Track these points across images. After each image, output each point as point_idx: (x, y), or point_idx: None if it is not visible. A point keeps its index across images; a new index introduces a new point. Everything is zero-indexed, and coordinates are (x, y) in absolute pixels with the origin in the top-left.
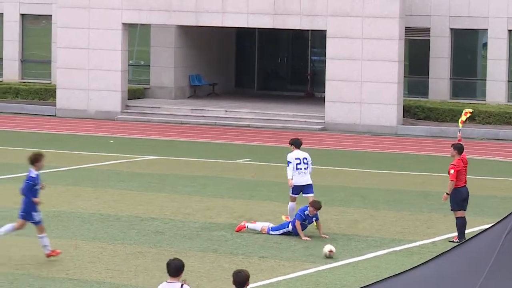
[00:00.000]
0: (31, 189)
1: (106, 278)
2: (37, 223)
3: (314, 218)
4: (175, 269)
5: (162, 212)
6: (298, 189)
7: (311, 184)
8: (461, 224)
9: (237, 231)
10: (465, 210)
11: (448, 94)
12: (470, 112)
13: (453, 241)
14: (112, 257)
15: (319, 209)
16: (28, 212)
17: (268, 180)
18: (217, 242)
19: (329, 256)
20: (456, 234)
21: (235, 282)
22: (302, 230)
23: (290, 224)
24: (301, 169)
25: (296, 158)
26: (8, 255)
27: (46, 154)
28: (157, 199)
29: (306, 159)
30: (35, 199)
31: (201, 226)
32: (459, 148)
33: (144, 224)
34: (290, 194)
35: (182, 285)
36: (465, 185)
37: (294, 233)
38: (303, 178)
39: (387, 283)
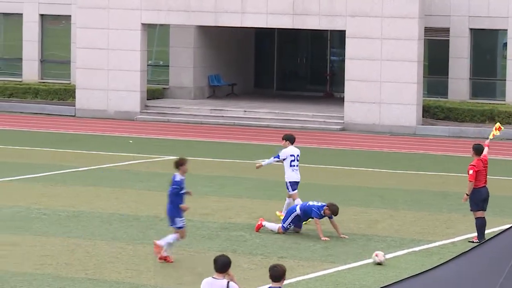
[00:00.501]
0: (177, 194)
1: (126, 278)
2: (179, 228)
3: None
4: (222, 265)
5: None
6: (296, 185)
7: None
8: (480, 225)
9: (256, 231)
10: (484, 210)
11: (467, 94)
12: (501, 128)
13: (473, 242)
14: (132, 257)
15: (335, 214)
16: (172, 217)
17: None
18: (236, 242)
19: (379, 262)
20: (476, 234)
21: (271, 277)
22: (298, 228)
23: (297, 207)
24: (294, 166)
25: (291, 155)
26: (27, 256)
27: (65, 154)
28: None
29: (299, 156)
30: (183, 206)
31: (220, 226)
32: (477, 149)
33: (163, 224)
34: (291, 191)
35: (228, 282)
36: (485, 186)
37: (289, 228)
38: (298, 175)
39: (407, 283)
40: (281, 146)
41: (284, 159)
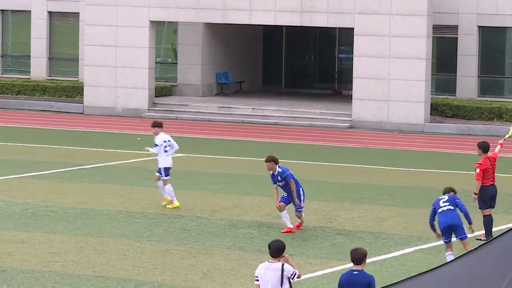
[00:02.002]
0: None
1: (133, 275)
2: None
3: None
4: (276, 249)
5: (189, 210)
6: (169, 171)
7: None
8: (487, 222)
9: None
10: (492, 208)
11: (475, 92)
12: None
13: (481, 239)
14: (139, 255)
15: (273, 162)
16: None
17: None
18: (243, 240)
19: None
20: (483, 232)
21: (353, 260)
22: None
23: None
24: (167, 151)
25: (164, 141)
26: (35, 253)
27: (73, 151)
28: (183, 197)
29: (170, 141)
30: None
31: (228, 223)
32: (483, 147)
33: (170, 222)
34: (164, 177)
35: (283, 264)
36: (493, 183)
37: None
38: (171, 160)
39: (414, 281)
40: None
41: (158, 145)
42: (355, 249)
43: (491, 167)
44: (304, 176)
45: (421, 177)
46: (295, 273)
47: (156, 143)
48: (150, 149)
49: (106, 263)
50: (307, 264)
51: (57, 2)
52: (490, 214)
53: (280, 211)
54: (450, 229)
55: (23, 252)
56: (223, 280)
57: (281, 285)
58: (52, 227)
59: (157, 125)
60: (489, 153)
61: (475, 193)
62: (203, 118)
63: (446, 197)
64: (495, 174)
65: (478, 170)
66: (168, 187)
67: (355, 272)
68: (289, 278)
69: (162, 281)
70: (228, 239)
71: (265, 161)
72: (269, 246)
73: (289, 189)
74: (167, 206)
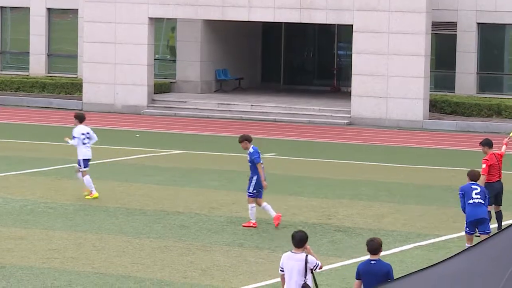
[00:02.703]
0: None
1: (132, 272)
2: None
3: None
4: (300, 240)
5: (188, 206)
6: (87, 163)
7: None
8: (497, 218)
9: (277, 226)
10: (498, 205)
11: (474, 88)
12: None
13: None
14: (138, 251)
15: (246, 141)
16: None
17: (294, 175)
18: (242, 236)
19: None
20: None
21: (369, 250)
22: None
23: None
24: (86, 143)
25: (82, 133)
26: (34, 249)
27: (72, 148)
28: (182, 193)
29: (89, 133)
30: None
31: (227, 220)
32: (487, 143)
33: (169, 218)
34: (83, 168)
35: (306, 256)
36: (498, 180)
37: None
38: (90, 152)
39: (413, 277)
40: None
41: (76, 137)
42: (371, 239)
43: (497, 163)
44: (303, 173)
45: (420, 173)
46: (318, 265)
47: (74, 135)
48: (69, 141)
49: (105, 260)
50: None
51: None
52: (499, 211)
53: (249, 203)
54: (477, 223)
55: (22, 248)
56: (222, 276)
57: (305, 276)
58: (51, 224)
59: (77, 117)
60: (495, 151)
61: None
62: (202, 114)
63: (478, 189)
64: (501, 171)
65: (484, 166)
66: (87, 178)
67: (373, 262)
68: (311, 269)
69: (161, 278)
70: (227, 235)
71: (239, 142)
72: (293, 236)
73: (255, 171)
74: (86, 197)
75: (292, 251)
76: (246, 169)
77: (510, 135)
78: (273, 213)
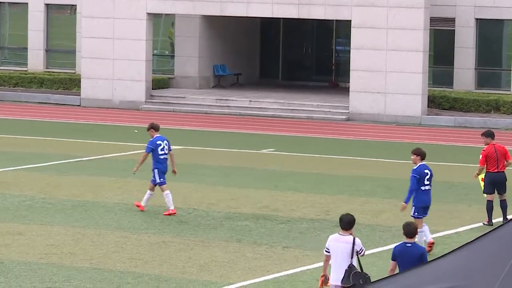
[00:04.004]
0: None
1: (130, 267)
2: None
3: None
4: (347, 222)
5: (186, 202)
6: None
7: None
8: (489, 207)
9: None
10: (500, 194)
11: (473, 84)
12: None
13: (484, 224)
14: (136, 247)
15: (152, 129)
16: None
17: (292, 171)
18: (240, 232)
19: None
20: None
21: (406, 234)
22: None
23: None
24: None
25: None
26: (32, 245)
27: (70, 143)
28: (181, 189)
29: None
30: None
31: (225, 216)
32: (489, 134)
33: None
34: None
35: (354, 238)
36: (497, 171)
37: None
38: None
39: (412, 273)
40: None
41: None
42: (408, 224)
43: (495, 154)
44: (301, 168)
45: None
46: (363, 249)
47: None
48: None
49: (103, 255)
50: (305, 257)
51: None
52: (492, 200)
53: (149, 188)
54: (425, 208)
55: (20, 244)
56: (220, 272)
57: (351, 257)
58: (49, 219)
59: (152, 126)
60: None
61: (477, 173)
62: (200, 110)
63: (429, 174)
64: (503, 163)
65: (480, 156)
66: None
67: (408, 245)
68: (357, 252)
69: (159, 273)
70: (225, 231)
71: (147, 129)
72: (341, 219)
73: (154, 160)
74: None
75: (339, 233)
76: (244, 165)
77: None
78: (144, 203)
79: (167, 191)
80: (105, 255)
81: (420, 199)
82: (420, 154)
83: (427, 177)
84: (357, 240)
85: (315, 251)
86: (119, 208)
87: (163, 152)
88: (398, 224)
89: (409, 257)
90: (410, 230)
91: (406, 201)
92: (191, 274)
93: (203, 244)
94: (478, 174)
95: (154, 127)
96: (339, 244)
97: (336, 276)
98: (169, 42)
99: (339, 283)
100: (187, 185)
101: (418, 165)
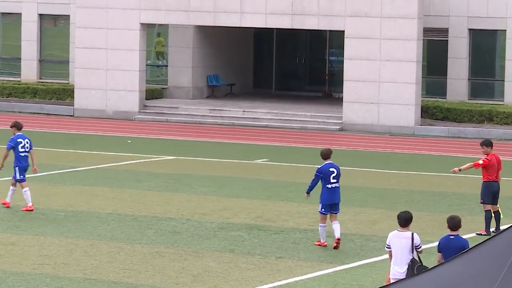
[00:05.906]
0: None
1: (124, 278)
2: None
3: None
4: (405, 219)
5: (179, 212)
6: None
7: None
8: (488, 217)
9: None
10: (496, 204)
11: (466, 94)
12: None
13: (481, 234)
14: (130, 257)
15: (14, 127)
16: None
17: (286, 181)
18: (234, 242)
19: None
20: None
21: (450, 227)
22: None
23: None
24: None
25: None
26: (25, 255)
27: (63, 154)
28: (174, 199)
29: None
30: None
31: (218, 226)
32: (489, 143)
33: (161, 224)
34: None
35: (412, 233)
36: (496, 181)
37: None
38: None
39: (406, 283)
40: None
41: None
42: (452, 217)
43: (496, 165)
44: (294, 178)
45: (411, 179)
46: (421, 245)
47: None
48: None
49: (96, 266)
50: (298, 267)
51: (48, 5)
52: (490, 210)
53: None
54: (332, 205)
55: (14, 254)
56: (213, 282)
57: (411, 252)
58: (42, 230)
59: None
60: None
61: (459, 169)
62: (194, 120)
63: (335, 172)
64: (498, 172)
65: (481, 162)
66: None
67: (452, 237)
68: (416, 248)
69: (152, 284)
70: (218, 241)
71: (10, 127)
72: (398, 216)
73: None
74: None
75: (398, 229)
76: (237, 175)
77: None
78: (28, 202)
79: (26, 188)
80: (98, 265)
81: (325, 197)
82: (322, 154)
83: (333, 175)
84: (415, 236)
85: (308, 262)
86: (112, 219)
87: (23, 150)
88: None
89: (453, 249)
90: (454, 223)
91: (307, 192)
92: (185, 285)
93: (196, 254)
94: (460, 170)
95: (16, 126)
96: (399, 240)
97: (397, 269)
98: (160, 52)
99: (398, 276)
100: (180, 195)
101: (323, 163)
